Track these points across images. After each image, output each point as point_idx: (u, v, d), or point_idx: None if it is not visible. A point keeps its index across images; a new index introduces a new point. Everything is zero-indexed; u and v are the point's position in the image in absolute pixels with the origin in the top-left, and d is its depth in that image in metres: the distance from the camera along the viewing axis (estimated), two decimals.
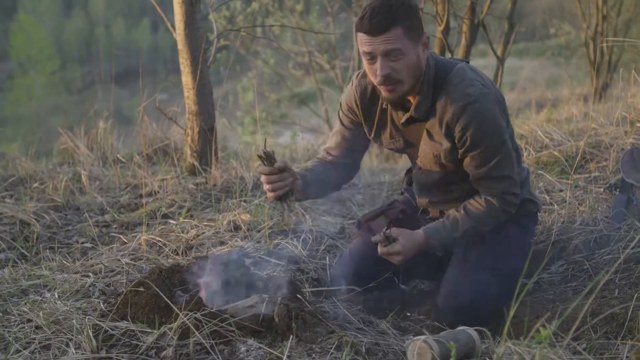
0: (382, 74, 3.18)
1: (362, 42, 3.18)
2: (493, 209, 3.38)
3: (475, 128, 3.23)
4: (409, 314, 3.61)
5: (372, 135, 3.60)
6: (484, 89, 3.27)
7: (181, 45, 5.64)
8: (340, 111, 3.66)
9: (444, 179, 3.51)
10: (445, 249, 3.47)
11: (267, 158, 3.30)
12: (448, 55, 6.52)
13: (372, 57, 3.18)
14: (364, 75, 3.51)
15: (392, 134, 3.55)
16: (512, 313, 2.38)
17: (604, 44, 11.26)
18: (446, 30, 6.41)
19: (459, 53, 6.69)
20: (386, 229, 3.41)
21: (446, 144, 3.34)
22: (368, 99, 3.53)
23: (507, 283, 3.32)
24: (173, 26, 5.72)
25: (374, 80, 3.26)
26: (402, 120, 3.43)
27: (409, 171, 3.98)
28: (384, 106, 3.50)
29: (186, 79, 5.69)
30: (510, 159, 3.36)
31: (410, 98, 3.36)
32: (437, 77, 3.32)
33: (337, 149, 3.70)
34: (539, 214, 3.84)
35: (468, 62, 3.46)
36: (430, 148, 3.41)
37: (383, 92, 3.29)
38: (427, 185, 3.61)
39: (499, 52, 7.39)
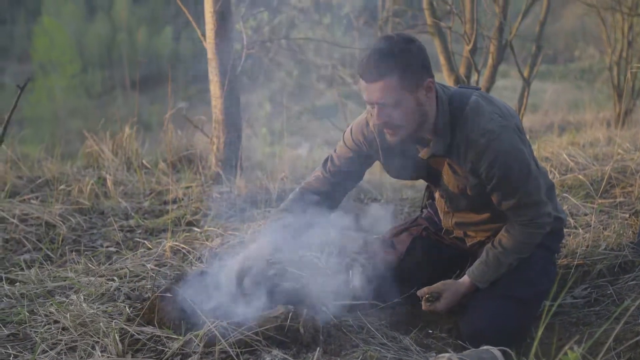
0: (378, 122, 3.17)
1: (361, 86, 3.17)
2: (527, 236, 3.37)
3: (501, 164, 3.18)
4: (431, 331, 3.61)
5: (393, 163, 3.55)
6: (503, 121, 3.22)
7: (211, 54, 5.67)
8: (351, 136, 3.57)
9: (469, 205, 3.50)
10: (492, 283, 3.47)
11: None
12: (474, 75, 6.54)
13: (370, 103, 3.16)
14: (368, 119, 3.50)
15: (414, 166, 3.49)
16: (539, 334, 2.38)
17: (629, 70, 11.22)
18: (473, 50, 6.43)
19: (485, 73, 6.71)
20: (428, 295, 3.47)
21: (472, 180, 3.31)
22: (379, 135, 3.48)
23: (531, 309, 3.33)
24: (203, 35, 5.76)
25: (376, 124, 3.27)
26: (424, 156, 3.35)
27: (429, 187, 3.97)
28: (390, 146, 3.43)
29: (214, 88, 5.72)
30: (537, 183, 3.33)
31: (429, 136, 3.30)
32: (453, 114, 3.24)
33: (335, 167, 3.64)
34: (564, 229, 3.83)
35: (479, 89, 3.41)
36: (455, 181, 3.39)
37: (386, 135, 3.27)
38: (452, 210, 3.61)
39: (525, 74, 7.40)
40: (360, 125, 3.53)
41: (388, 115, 3.12)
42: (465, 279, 3.46)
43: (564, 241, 4.09)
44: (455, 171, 3.36)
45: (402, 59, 3.04)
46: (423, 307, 3.48)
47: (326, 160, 3.68)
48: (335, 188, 3.65)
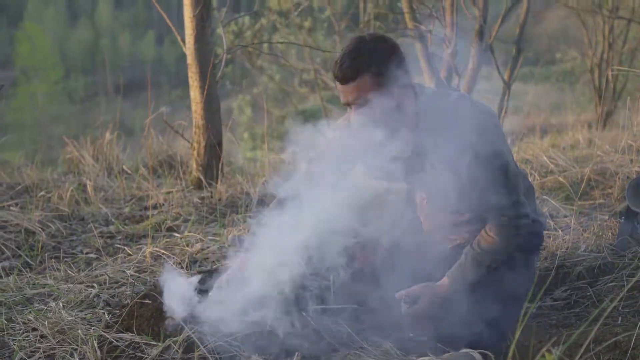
0: (356, 122, 3.16)
1: (337, 88, 3.16)
2: (506, 238, 3.36)
3: (481, 161, 3.15)
4: (412, 335, 3.61)
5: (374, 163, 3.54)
6: (483, 119, 3.23)
7: (190, 59, 5.66)
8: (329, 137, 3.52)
9: (450, 204, 3.49)
10: (471, 286, 3.46)
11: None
12: (455, 79, 6.55)
13: (346, 104, 3.16)
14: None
15: (393, 165, 3.41)
16: (517, 337, 2.38)
17: (610, 72, 11.30)
18: (454, 53, 6.44)
19: (466, 76, 6.72)
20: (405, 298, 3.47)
21: (452, 176, 3.27)
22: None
23: (511, 309, 3.32)
24: (183, 40, 5.75)
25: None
26: (404, 155, 3.31)
27: (409, 193, 3.97)
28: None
29: (194, 93, 5.71)
30: (515, 182, 3.33)
31: (408, 133, 3.25)
32: (433, 111, 3.22)
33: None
34: (544, 232, 3.83)
35: (459, 91, 3.40)
36: (436, 178, 3.35)
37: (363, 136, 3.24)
38: (432, 212, 3.61)
39: (505, 77, 7.43)
40: (340, 126, 3.53)
41: (365, 115, 3.11)
42: (444, 280, 3.46)
43: (543, 244, 4.09)
44: (435, 168, 3.33)
45: (374, 58, 3.05)
46: (402, 310, 3.48)
47: (311, 160, 3.68)
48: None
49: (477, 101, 3.35)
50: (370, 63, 3.04)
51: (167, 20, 5.94)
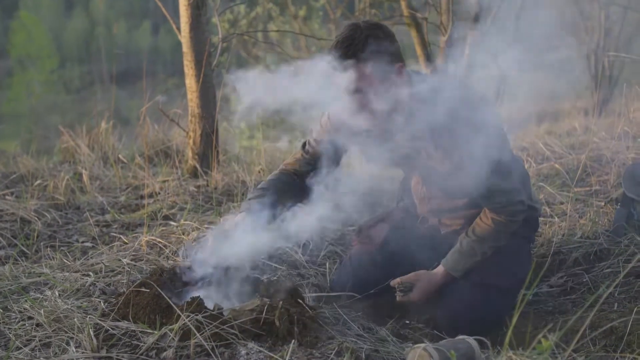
0: (353, 107, 3.17)
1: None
2: (501, 224, 3.37)
3: (477, 147, 3.17)
4: (408, 322, 3.61)
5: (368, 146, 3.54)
6: (481, 103, 3.27)
7: (186, 47, 5.64)
8: (328, 121, 3.57)
9: (446, 188, 3.49)
10: (467, 272, 3.47)
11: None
12: (451, 65, 6.54)
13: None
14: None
15: (389, 150, 3.44)
16: (513, 323, 2.38)
17: (606, 59, 11.28)
18: (450, 41, 6.43)
19: (462, 64, 6.70)
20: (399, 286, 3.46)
21: (448, 158, 3.29)
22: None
23: (508, 297, 3.33)
24: (178, 28, 5.73)
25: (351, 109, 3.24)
26: (400, 139, 3.34)
27: (404, 179, 3.97)
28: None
29: (190, 81, 5.70)
30: (509, 171, 3.35)
31: (404, 118, 3.27)
32: (429, 96, 3.21)
33: (313, 149, 3.66)
34: (539, 218, 3.83)
35: (454, 77, 3.42)
36: (432, 162, 3.37)
37: (361, 120, 3.25)
38: (427, 196, 3.61)
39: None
40: (327, 119, 3.55)
41: (360, 101, 3.14)
42: (439, 268, 3.46)
43: (539, 230, 4.10)
44: (431, 151, 3.34)
45: (369, 45, 3.06)
46: (397, 298, 3.48)
47: (305, 143, 3.68)
48: (313, 170, 3.62)
49: (473, 87, 3.36)
50: (366, 50, 3.05)
51: (163, 9, 5.92)
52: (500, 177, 3.28)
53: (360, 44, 3.06)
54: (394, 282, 3.47)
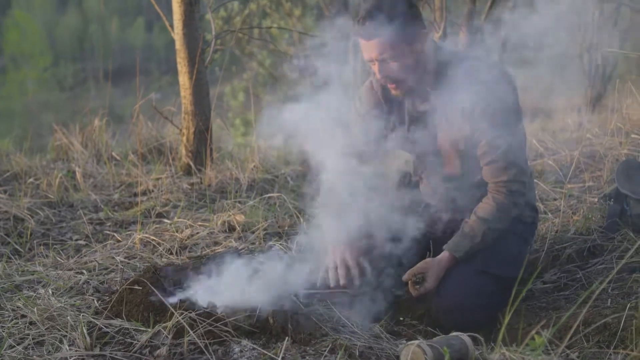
0: (381, 76, 3.29)
1: (360, 45, 3.27)
2: (502, 205, 3.37)
3: (495, 111, 3.27)
4: (402, 319, 3.61)
5: (389, 128, 3.62)
6: (504, 74, 3.37)
7: (179, 45, 5.63)
8: (362, 103, 3.68)
9: (461, 167, 3.50)
10: (471, 257, 3.47)
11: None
12: None
13: (370, 60, 3.28)
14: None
15: (409, 128, 3.57)
16: (506, 320, 2.39)
17: (599, 55, 11.30)
18: (443, 37, 6.43)
19: None
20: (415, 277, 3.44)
21: (464, 129, 3.37)
22: (383, 94, 3.59)
23: (503, 291, 3.33)
24: (171, 25, 5.72)
25: (378, 79, 3.36)
26: (421, 110, 3.49)
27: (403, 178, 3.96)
28: (400, 100, 3.55)
29: (183, 78, 5.69)
30: (521, 147, 3.44)
31: (428, 88, 3.42)
32: (454, 66, 3.35)
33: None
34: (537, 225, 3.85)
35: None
36: (449, 135, 3.44)
37: (390, 89, 3.39)
38: (444, 181, 3.60)
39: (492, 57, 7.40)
40: (366, 90, 3.65)
41: (389, 69, 3.26)
42: (444, 253, 3.46)
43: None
44: (450, 123, 3.41)
45: (397, 12, 3.17)
46: (412, 293, 3.45)
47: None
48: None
49: (497, 63, 3.44)
50: (393, 19, 3.15)
51: (156, 6, 5.91)
52: (514, 148, 3.35)
53: (388, 13, 3.16)
54: (406, 276, 3.45)
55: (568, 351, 2.92)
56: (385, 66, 3.25)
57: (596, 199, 4.56)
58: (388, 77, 3.29)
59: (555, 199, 4.82)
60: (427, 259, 3.47)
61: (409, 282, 3.45)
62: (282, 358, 2.73)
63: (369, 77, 3.67)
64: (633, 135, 5.33)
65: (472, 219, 3.42)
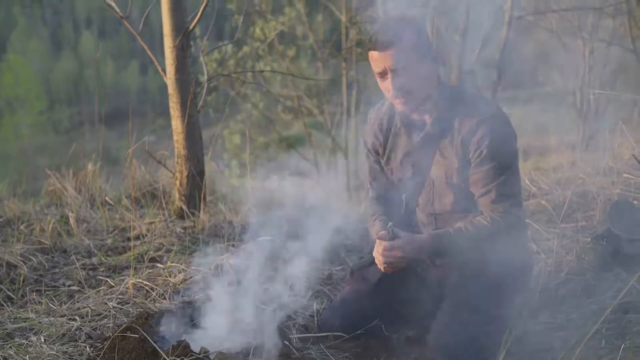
0: (394, 87, 3.34)
1: (372, 60, 3.37)
2: (496, 224, 3.37)
3: (492, 141, 3.31)
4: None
5: (385, 159, 3.73)
6: (501, 110, 3.43)
7: (171, 89, 5.65)
8: (365, 143, 3.86)
9: (454, 200, 3.52)
10: (446, 254, 3.49)
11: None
12: None
13: (383, 73, 3.35)
14: (380, 107, 3.73)
15: (402, 160, 3.65)
16: None
17: (592, 95, 11.37)
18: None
19: None
20: (390, 225, 3.44)
21: (458, 162, 3.43)
22: (385, 125, 3.71)
23: (496, 332, 3.32)
24: (164, 70, 5.75)
25: (388, 95, 3.43)
26: (418, 138, 3.55)
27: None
28: (397, 129, 3.65)
29: (176, 122, 5.70)
30: (517, 180, 3.46)
31: (427, 118, 3.49)
32: (453, 95, 3.46)
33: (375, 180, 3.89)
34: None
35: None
36: (443, 168, 3.49)
37: (397, 105, 3.45)
38: (435, 211, 3.62)
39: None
40: (375, 110, 3.80)
41: (400, 81, 3.32)
42: (424, 234, 3.48)
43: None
44: (444, 155, 3.48)
45: (410, 28, 3.31)
46: (383, 247, 3.45)
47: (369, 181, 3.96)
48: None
49: (494, 101, 3.54)
50: (407, 32, 3.29)
51: (148, 51, 5.93)
52: (508, 179, 3.39)
53: (403, 26, 3.29)
54: (381, 233, 3.47)
55: None
56: (396, 77, 3.31)
57: (589, 239, 4.56)
58: (399, 88, 3.34)
59: (548, 239, 4.82)
60: (408, 233, 3.50)
61: (383, 236, 3.46)
62: None
63: (371, 113, 3.81)
64: (625, 175, 5.35)
65: (463, 223, 3.44)
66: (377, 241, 3.48)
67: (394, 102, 3.46)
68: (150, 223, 5.65)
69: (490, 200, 3.40)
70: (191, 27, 5.56)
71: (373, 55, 3.35)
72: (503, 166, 3.35)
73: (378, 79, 3.42)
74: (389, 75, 3.33)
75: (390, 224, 3.43)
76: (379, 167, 3.82)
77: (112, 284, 4.34)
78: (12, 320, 3.78)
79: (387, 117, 3.69)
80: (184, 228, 5.49)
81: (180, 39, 5.54)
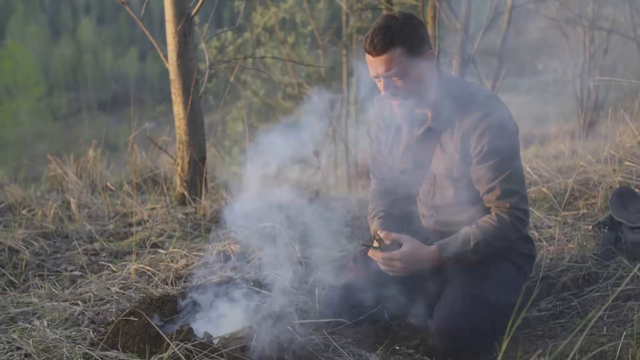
0: (386, 92, 3.34)
1: (367, 62, 3.34)
2: (504, 224, 3.37)
3: (493, 137, 3.30)
4: (398, 348, 3.60)
5: (387, 151, 3.72)
6: (502, 105, 3.41)
7: (173, 75, 5.65)
8: (368, 132, 3.85)
9: (455, 195, 3.52)
10: (457, 263, 3.46)
11: (379, 241, 3.40)
12: None
13: (377, 76, 3.34)
14: (383, 97, 3.64)
15: (404, 153, 3.64)
16: (503, 348, 2.39)
17: (592, 82, 11.35)
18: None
19: None
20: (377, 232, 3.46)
21: (459, 156, 3.41)
22: (387, 117, 3.71)
23: (499, 318, 3.32)
24: (165, 56, 5.74)
25: (384, 95, 3.41)
26: (419, 133, 3.53)
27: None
28: (398, 122, 3.64)
29: (178, 108, 5.70)
30: (521, 175, 3.44)
31: (428, 112, 3.47)
32: (453, 88, 3.43)
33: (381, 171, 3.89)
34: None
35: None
36: (444, 162, 3.48)
37: (394, 106, 3.45)
38: (436, 204, 3.62)
39: (488, 88, 7.45)
40: (378, 100, 3.79)
41: (395, 85, 3.31)
42: (432, 247, 3.44)
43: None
44: (444, 150, 3.47)
45: (405, 31, 3.25)
46: (370, 252, 3.47)
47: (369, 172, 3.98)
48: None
49: (495, 95, 3.50)
50: (401, 36, 3.24)
51: (150, 37, 5.92)
52: (511, 175, 3.38)
53: (397, 30, 3.23)
54: (383, 234, 3.47)
55: None
56: (390, 82, 3.31)
57: (590, 227, 4.57)
58: (393, 92, 3.34)
59: (549, 227, 4.82)
60: (416, 241, 3.47)
61: (376, 239, 3.44)
62: None
63: (375, 102, 3.81)
64: (626, 163, 5.34)
65: (470, 228, 3.42)
66: (371, 252, 3.47)
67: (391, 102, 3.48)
68: (152, 209, 5.66)
69: (495, 197, 3.39)
70: (193, 12, 5.56)
71: (367, 57, 3.34)
72: (506, 161, 3.34)
73: (374, 79, 3.42)
74: (383, 80, 3.33)
75: (377, 230, 3.47)
76: (381, 156, 3.81)
77: (114, 269, 4.35)
78: (15, 304, 3.79)
79: (389, 109, 3.67)
80: (186, 214, 5.49)
81: (182, 24, 5.54)
